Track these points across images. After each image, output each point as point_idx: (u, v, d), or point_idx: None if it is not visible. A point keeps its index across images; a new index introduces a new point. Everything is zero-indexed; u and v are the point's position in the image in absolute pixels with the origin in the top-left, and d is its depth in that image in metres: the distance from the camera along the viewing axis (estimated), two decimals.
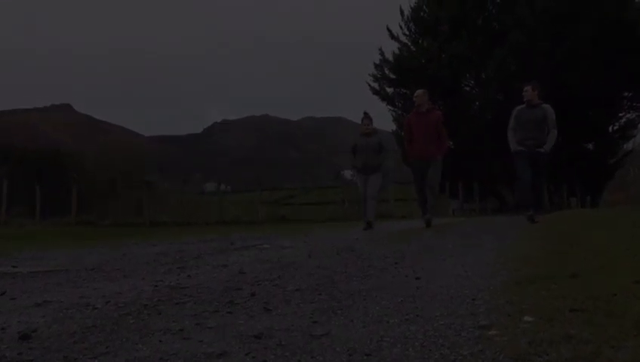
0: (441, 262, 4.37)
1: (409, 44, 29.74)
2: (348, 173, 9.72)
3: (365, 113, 9.50)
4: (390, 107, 29.79)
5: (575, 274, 3.18)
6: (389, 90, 29.78)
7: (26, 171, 26.51)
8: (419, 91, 9.15)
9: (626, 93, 27.59)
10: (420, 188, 8.94)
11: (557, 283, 3.00)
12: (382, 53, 29.62)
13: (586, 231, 6.48)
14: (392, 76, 29.44)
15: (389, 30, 29.72)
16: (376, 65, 29.73)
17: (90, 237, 11.17)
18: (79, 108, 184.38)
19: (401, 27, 29.73)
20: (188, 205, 25.00)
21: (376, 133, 9.45)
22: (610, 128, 28.61)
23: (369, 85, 29.80)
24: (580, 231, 6.63)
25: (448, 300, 2.79)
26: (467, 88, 30.08)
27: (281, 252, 5.60)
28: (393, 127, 29.77)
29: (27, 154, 31.30)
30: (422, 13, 29.54)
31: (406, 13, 29.61)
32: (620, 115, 28.44)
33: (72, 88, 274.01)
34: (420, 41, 29.52)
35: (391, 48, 30.17)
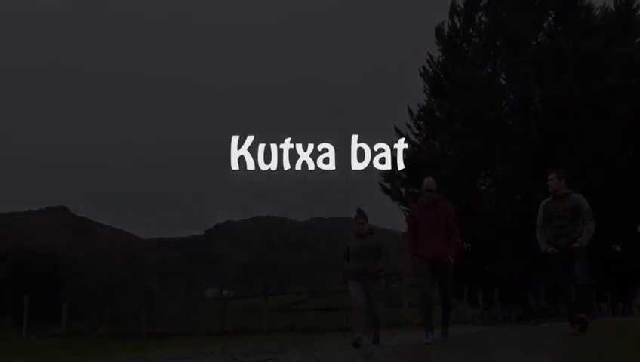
0: None
1: (419, 142, 30.24)
2: None
3: (359, 210, 8.77)
4: (403, 207, 29.86)
5: None
6: (402, 189, 29.98)
7: (15, 278, 26.36)
8: (429, 179, 8.13)
9: None
10: (425, 295, 7.77)
11: None
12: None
13: (628, 349, 6.15)
14: (404, 176, 29.71)
15: (397, 130, 30.32)
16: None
17: (81, 351, 10.86)
18: (76, 211, 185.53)
19: (409, 126, 30.34)
20: (187, 313, 24.55)
21: (373, 233, 8.70)
22: None
23: (380, 184, 30.11)
24: (620, 347, 6.28)
25: None
26: (483, 187, 30.22)
27: None
28: (405, 228, 29.70)
29: (18, 261, 31.25)
30: (432, 112, 30.20)
31: (414, 112, 30.29)
32: None
33: (68, 190, 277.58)
34: (431, 140, 30.07)
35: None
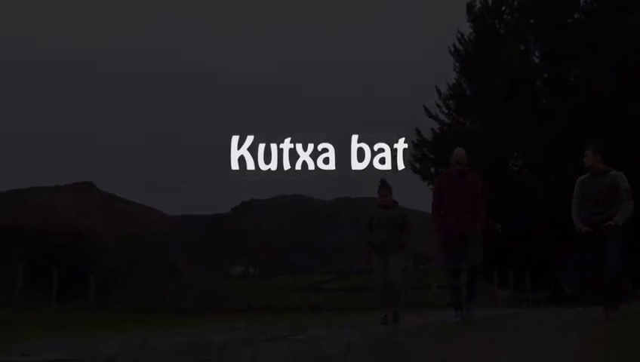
0: None
1: (448, 122, 29.96)
2: None
3: (383, 181, 8.54)
4: (432, 186, 29.63)
5: None
6: (432, 169, 29.77)
7: (43, 253, 26.82)
8: (459, 149, 7.94)
9: None
10: (452, 272, 7.67)
11: None
12: (419, 133, 29.82)
13: None
14: (432, 156, 29.47)
15: (425, 109, 30.03)
16: (415, 145, 29.90)
17: (109, 324, 11.05)
18: (102, 187, 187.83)
19: (438, 105, 30.04)
20: (213, 290, 24.89)
21: (397, 205, 8.52)
22: None
23: (410, 164, 29.93)
24: None
25: None
26: (515, 168, 29.88)
27: (316, 344, 5.38)
28: None
29: (45, 235, 31.78)
30: (462, 90, 29.87)
31: (443, 91, 29.95)
32: None
33: (95, 165, 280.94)
34: (461, 119, 29.80)
35: (429, 125, 30.31)
